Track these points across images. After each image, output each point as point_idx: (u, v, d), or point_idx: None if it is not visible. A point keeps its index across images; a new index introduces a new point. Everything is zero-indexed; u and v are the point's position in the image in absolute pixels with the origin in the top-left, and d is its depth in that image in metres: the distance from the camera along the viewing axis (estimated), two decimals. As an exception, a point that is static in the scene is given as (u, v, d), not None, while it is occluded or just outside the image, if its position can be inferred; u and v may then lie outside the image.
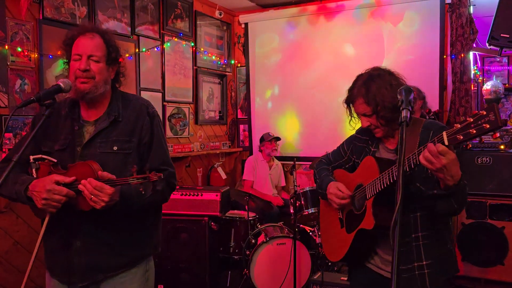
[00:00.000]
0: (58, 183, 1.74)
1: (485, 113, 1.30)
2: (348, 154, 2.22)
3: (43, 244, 1.95)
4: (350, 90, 2.03)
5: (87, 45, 1.86)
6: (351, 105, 2.05)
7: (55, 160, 1.85)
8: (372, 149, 2.05)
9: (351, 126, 2.10)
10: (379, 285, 2.01)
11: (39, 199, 1.73)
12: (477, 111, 1.34)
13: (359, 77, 2.02)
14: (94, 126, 1.93)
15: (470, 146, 1.39)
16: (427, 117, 3.83)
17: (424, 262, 1.87)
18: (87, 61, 1.85)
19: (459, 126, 1.37)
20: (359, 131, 2.19)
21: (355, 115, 2.08)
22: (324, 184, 2.18)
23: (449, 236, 1.96)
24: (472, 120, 1.34)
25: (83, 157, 1.86)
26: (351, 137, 2.24)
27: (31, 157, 1.83)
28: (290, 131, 5.91)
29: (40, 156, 1.85)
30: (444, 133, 1.45)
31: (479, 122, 1.31)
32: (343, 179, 2.16)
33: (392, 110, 1.85)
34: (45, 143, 1.92)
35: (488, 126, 1.29)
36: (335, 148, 2.35)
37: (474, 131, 1.33)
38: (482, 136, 1.33)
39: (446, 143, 1.44)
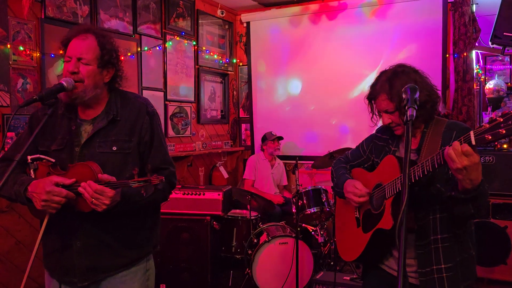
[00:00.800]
0: (57, 184, 1.72)
1: None
2: (368, 153, 2.18)
3: (42, 244, 1.93)
4: (373, 86, 1.98)
5: (78, 47, 1.83)
6: (373, 101, 2.00)
7: (53, 160, 1.83)
8: (393, 148, 2.02)
9: (372, 122, 2.05)
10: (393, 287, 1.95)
11: (38, 201, 1.72)
12: (508, 111, 1.29)
13: (382, 73, 1.98)
14: (92, 125, 1.90)
15: (499, 146, 1.34)
16: None
17: (443, 266, 1.82)
18: (76, 63, 1.81)
19: (488, 126, 1.33)
20: (379, 130, 2.15)
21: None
22: (340, 183, 2.15)
23: (471, 241, 1.92)
24: (502, 120, 1.30)
25: (81, 157, 1.84)
26: (371, 136, 2.20)
27: (29, 157, 1.80)
28: (292, 130, 5.90)
29: (38, 156, 1.82)
30: (471, 133, 1.41)
31: (510, 122, 1.27)
32: (361, 178, 2.11)
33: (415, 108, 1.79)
34: (42, 143, 1.89)
35: None
36: (349, 147, 2.33)
37: (504, 131, 1.28)
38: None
39: (473, 143, 1.40)
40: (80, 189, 1.70)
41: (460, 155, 1.44)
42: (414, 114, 1.39)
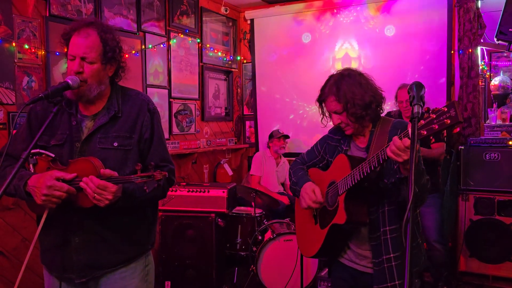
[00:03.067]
0: (58, 179, 1.71)
1: (446, 109, 1.39)
2: (322, 154, 2.30)
3: (39, 241, 1.93)
4: (322, 89, 2.12)
5: (81, 46, 1.81)
6: (323, 104, 2.13)
7: (53, 155, 1.82)
8: (344, 148, 2.14)
9: (322, 124, 2.18)
10: (357, 279, 2.10)
11: (39, 195, 1.71)
12: (439, 108, 1.42)
13: (331, 77, 2.12)
14: (93, 121, 1.90)
15: (434, 140, 1.45)
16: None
17: (392, 255, 1.93)
18: (80, 63, 1.81)
19: (423, 122, 1.46)
20: (331, 131, 2.28)
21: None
22: (300, 182, 2.24)
23: (418, 231, 2.05)
24: (435, 116, 1.42)
25: (82, 153, 1.84)
26: (324, 137, 2.33)
27: None
28: (297, 128, 5.89)
29: (37, 150, 1.82)
30: (410, 129, 1.53)
31: (441, 118, 1.40)
32: (317, 177, 2.23)
33: (361, 108, 1.95)
34: (40, 137, 1.85)
35: (449, 121, 1.38)
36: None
37: (437, 126, 1.41)
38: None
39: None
40: (81, 184, 1.70)
41: (404, 149, 1.58)
42: (420, 111, 1.42)
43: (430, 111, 1.44)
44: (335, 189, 2.02)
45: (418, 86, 1.48)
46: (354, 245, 2.08)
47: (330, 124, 2.19)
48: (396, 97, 4.13)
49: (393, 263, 1.92)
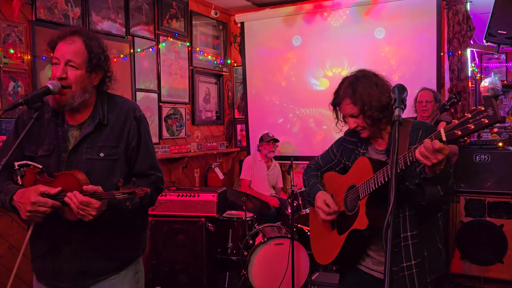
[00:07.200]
0: (43, 194, 1.70)
1: (483, 108, 1.30)
2: (338, 157, 2.22)
3: (30, 248, 1.92)
4: (336, 92, 2.03)
5: (66, 51, 1.80)
6: (337, 108, 2.06)
7: (41, 167, 1.80)
8: (362, 151, 2.06)
9: (338, 128, 2.10)
10: (371, 286, 2.02)
11: (23, 211, 1.70)
12: (475, 107, 1.33)
13: (345, 79, 2.03)
14: (79, 130, 1.88)
15: (468, 141, 1.37)
16: (447, 105, 3.82)
17: (413, 262, 1.86)
18: (64, 68, 1.80)
19: (457, 122, 1.37)
20: (347, 133, 2.19)
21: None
22: (312, 193, 2.19)
23: (439, 236, 1.98)
24: (470, 115, 1.33)
25: (68, 164, 1.82)
26: (340, 139, 2.25)
27: (16, 163, 1.78)
28: (288, 131, 5.88)
29: (25, 162, 1.80)
30: (442, 129, 1.46)
31: (478, 117, 1.31)
32: (334, 181, 2.16)
33: (379, 110, 1.88)
34: (28, 147, 1.87)
35: (486, 121, 1.29)
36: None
37: (473, 126, 1.32)
38: (481, 132, 1.32)
39: (444, 139, 1.45)
40: (66, 199, 1.68)
41: (433, 152, 1.48)
42: (401, 114, 1.39)
43: (466, 112, 1.37)
44: (356, 193, 1.94)
45: (401, 88, 1.46)
46: (373, 252, 2.02)
47: (345, 129, 2.13)
48: (416, 98, 4.21)
49: (414, 270, 1.85)
